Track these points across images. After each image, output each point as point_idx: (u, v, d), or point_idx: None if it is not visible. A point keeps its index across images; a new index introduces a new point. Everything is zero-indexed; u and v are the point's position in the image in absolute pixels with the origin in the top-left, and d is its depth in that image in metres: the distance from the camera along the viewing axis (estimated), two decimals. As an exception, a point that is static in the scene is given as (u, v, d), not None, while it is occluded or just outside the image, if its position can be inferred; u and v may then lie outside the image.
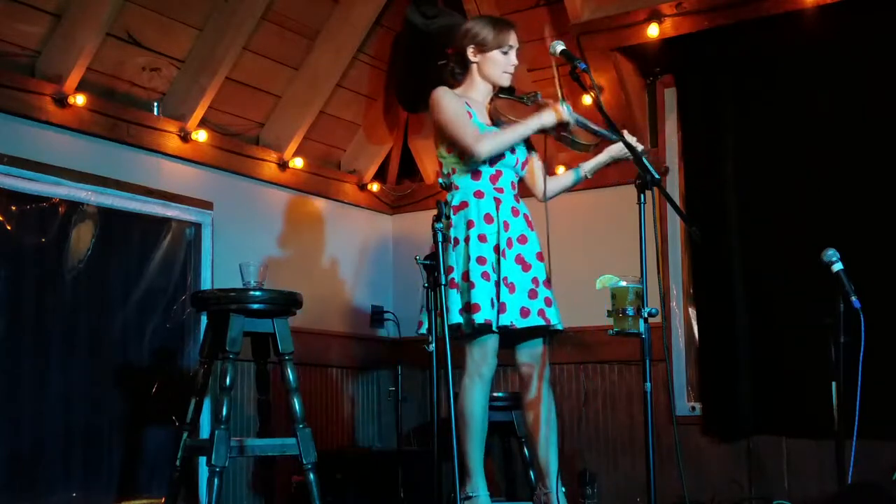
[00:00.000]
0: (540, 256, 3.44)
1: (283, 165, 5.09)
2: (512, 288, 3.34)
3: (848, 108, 4.35)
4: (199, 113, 4.58)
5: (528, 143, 3.55)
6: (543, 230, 3.43)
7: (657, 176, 2.95)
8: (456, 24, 4.91)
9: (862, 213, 4.26)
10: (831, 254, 3.60)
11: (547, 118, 3.38)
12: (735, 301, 4.57)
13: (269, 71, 4.92)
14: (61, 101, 4.06)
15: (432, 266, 3.07)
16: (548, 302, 3.38)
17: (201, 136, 4.62)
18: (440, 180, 3.46)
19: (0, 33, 3.94)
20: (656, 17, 4.48)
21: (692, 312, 4.81)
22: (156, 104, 4.54)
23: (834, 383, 3.58)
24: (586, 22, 4.66)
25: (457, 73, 3.56)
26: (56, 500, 3.87)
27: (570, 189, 3.67)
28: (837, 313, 3.55)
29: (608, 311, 3.11)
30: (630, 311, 3.02)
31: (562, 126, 3.41)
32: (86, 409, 4.02)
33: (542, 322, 3.35)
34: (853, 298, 3.50)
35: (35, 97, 3.99)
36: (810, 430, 4.28)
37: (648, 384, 2.84)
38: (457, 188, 3.44)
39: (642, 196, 2.95)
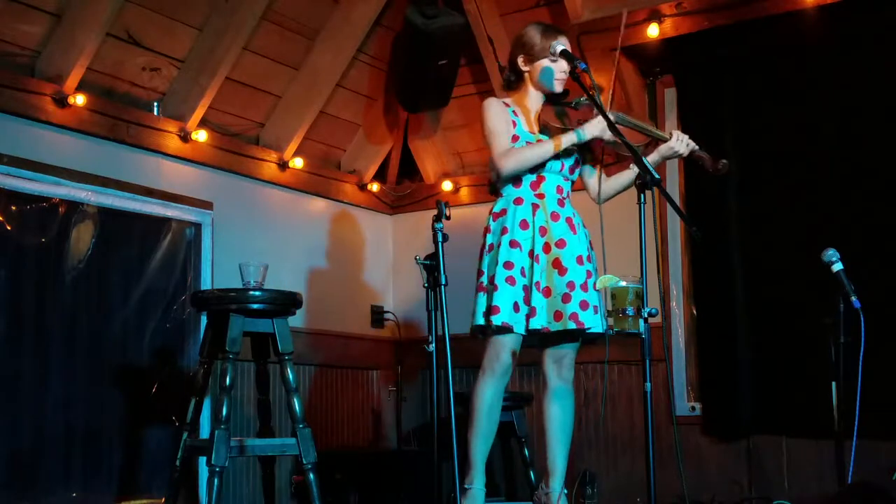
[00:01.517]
0: (581, 260, 3.43)
1: (283, 165, 5.09)
2: (547, 292, 3.37)
3: (848, 108, 4.35)
4: (199, 113, 4.59)
5: (578, 148, 3.53)
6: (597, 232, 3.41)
7: (657, 176, 2.96)
8: (456, 24, 4.95)
9: (862, 213, 4.26)
10: (831, 254, 3.60)
11: (583, 134, 3.38)
12: (735, 301, 4.57)
13: (269, 71, 4.92)
14: (61, 101, 4.06)
15: (432, 266, 3.07)
16: (583, 305, 3.37)
17: (201, 136, 4.62)
18: (489, 187, 3.54)
19: (0, 33, 3.94)
20: (656, 17, 4.48)
21: (692, 312, 4.81)
22: (156, 104, 4.54)
23: (834, 383, 3.58)
24: (586, 22, 4.66)
25: (511, 83, 3.59)
26: (56, 500, 3.87)
27: (627, 189, 3.63)
28: (837, 313, 3.55)
29: (608, 311, 3.12)
30: (630, 311, 3.02)
31: (589, 142, 3.42)
32: (86, 409, 4.02)
33: (573, 326, 3.35)
34: (853, 298, 3.50)
35: (35, 97, 3.99)
36: (810, 430, 4.28)
37: (648, 384, 2.84)
38: (501, 195, 3.50)
39: (642, 196, 2.95)
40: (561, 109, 3.53)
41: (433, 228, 3.08)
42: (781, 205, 4.49)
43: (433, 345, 3.09)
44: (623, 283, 3.08)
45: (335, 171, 5.54)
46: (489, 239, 3.46)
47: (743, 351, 4.54)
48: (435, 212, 3.10)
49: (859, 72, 4.33)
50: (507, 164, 3.38)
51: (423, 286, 3.14)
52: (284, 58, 4.96)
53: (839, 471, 3.56)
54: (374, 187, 5.70)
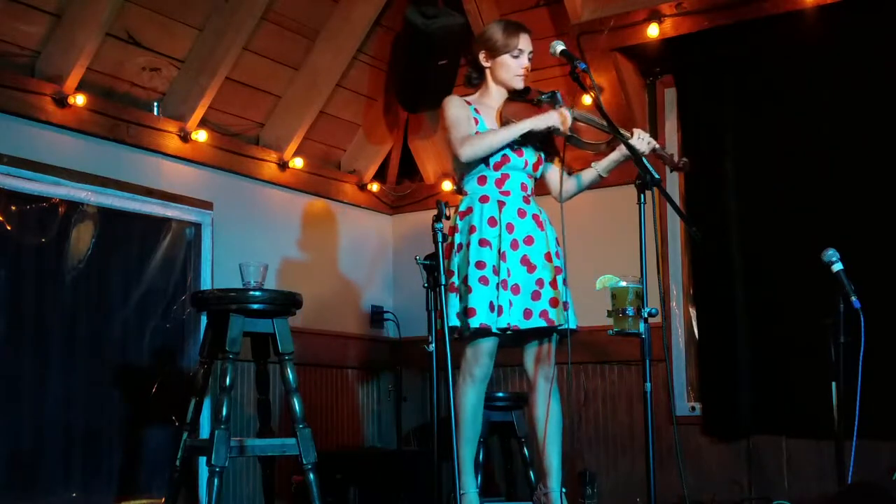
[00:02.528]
0: (549, 257, 3.43)
1: (283, 165, 5.09)
2: (515, 289, 3.36)
3: (848, 108, 4.35)
4: (199, 113, 4.59)
5: (542, 145, 3.55)
6: (560, 230, 3.42)
7: (657, 176, 2.96)
8: (456, 24, 4.95)
9: (862, 213, 4.26)
10: (831, 254, 3.60)
11: (539, 122, 3.38)
12: (735, 301, 4.57)
13: (269, 71, 4.92)
14: (61, 101, 4.06)
15: (432, 266, 3.07)
16: (553, 302, 3.37)
17: (201, 136, 4.62)
18: (454, 187, 3.50)
19: (0, 33, 3.94)
20: (656, 17, 4.48)
21: (692, 312, 4.82)
22: (156, 104, 4.54)
23: (834, 383, 3.58)
24: (586, 22, 4.66)
25: (473, 79, 3.59)
26: (56, 500, 3.87)
27: (588, 188, 3.65)
28: (837, 313, 3.55)
29: (608, 311, 3.12)
30: (630, 311, 3.02)
31: (557, 130, 3.40)
32: (86, 409, 4.02)
33: (543, 323, 3.35)
34: (853, 298, 3.50)
35: (35, 97, 3.99)
36: (810, 430, 4.28)
37: (648, 384, 2.84)
38: (466, 194, 3.49)
39: (642, 196, 2.95)
40: (523, 106, 3.51)
41: (433, 228, 3.07)
42: (781, 205, 4.49)
43: (433, 345, 3.09)
44: (623, 283, 3.09)
45: (335, 171, 5.54)
46: (457, 238, 3.42)
47: (743, 351, 4.54)
48: (435, 212, 3.10)
49: (859, 72, 4.33)
50: (467, 149, 3.34)
51: (423, 286, 3.14)
52: (284, 58, 4.96)
53: (839, 471, 3.56)
54: (374, 187, 5.70)
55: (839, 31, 4.30)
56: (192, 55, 4.55)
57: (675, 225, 4.86)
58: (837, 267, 3.59)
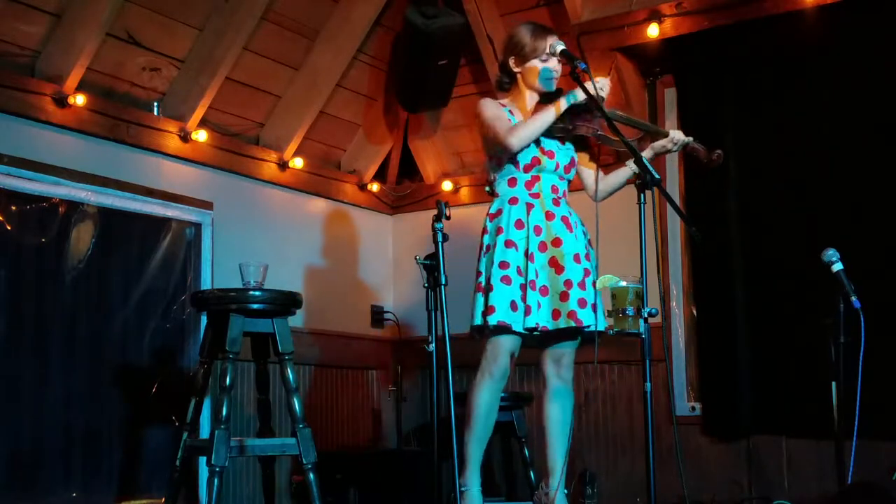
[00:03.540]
0: (578, 258, 3.43)
1: (283, 165, 5.09)
2: (543, 291, 3.37)
3: (848, 108, 4.35)
4: (199, 113, 4.59)
5: (575, 146, 3.55)
6: (594, 230, 3.41)
7: (657, 176, 2.96)
8: (456, 24, 4.95)
9: (862, 213, 4.26)
10: (831, 254, 3.60)
11: (574, 95, 3.36)
12: (735, 301, 4.57)
13: (269, 71, 4.92)
14: (61, 101, 4.06)
15: (432, 266, 3.07)
16: (581, 303, 3.36)
17: (201, 136, 4.62)
18: (486, 188, 3.54)
19: (0, 33, 3.94)
20: (656, 17, 4.48)
21: (692, 312, 4.81)
22: (156, 104, 4.54)
23: (834, 383, 3.58)
24: (586, 22, 4.66)
25: (504, 84, 3.60)
26: (56, 500, 3.87)
27: (624, 186, 3.63)
28: (837, 313, 3.55)
29: (608, 311, 3.12)
30: (630, 311, 3.02)
31: (593, 108, 3.33)
32: (86, 409, 4.02)
33: (572, 324, 3.35)
34: (853, 298, 3.50)
35: (35, 97, 3.99)
36: (810, 430, 4.28)
37: (648, 384, 2.84)
38: (497, 196, 3.51)
39: (642, 196, 2.95)
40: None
41: (433, 228, 3.07)
42: (781, 205, 4.49)
43: (433, 345, 3.09)
44: (623, 283, 3.09)
45: (335, 171, 5.54)
46: (486, 240, 3.46)
47: (743, 351, 4.54)
48: (435, 212, 3.10)
49: (859, 72, 4.33)
50: (515, 139, 3.34)
51: (423, 286, 3.14)
52: (284, 58, 4.96)
53: (839, 471, 3.56)
54: (374, 187, 5.70)
55: (839, 31, 4.30)
56: (192, 55, 4.55)
57: (675, 225, 4.86)
58: (837, 267, 3.59)
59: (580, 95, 3.35)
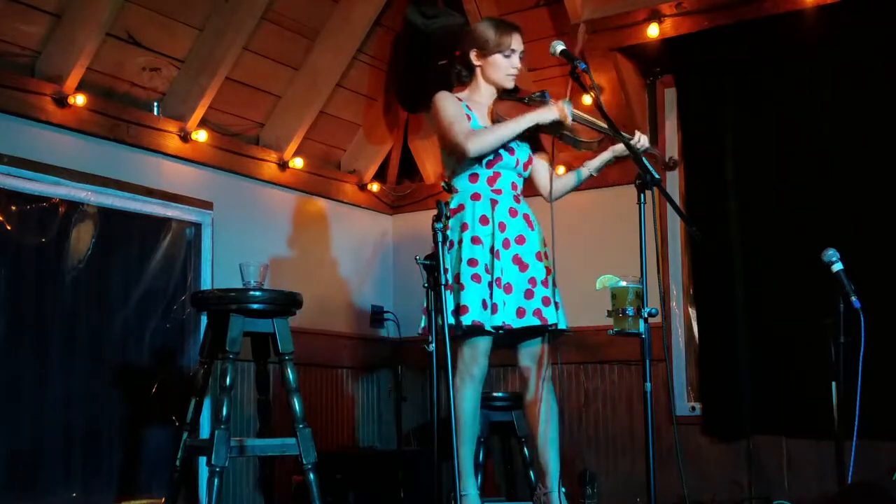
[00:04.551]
0: (539, 256, 3.44)
1: (283, 165, 5.09)
2: (508, 288, 3.36)
3: (848, 108, 4.35)
4: (199, 113, 4.59)
5: (532, 145, 3.56)
6: (549, 230, 3.43)
7: (657, 176, 2.96)
8: (456, 24, 4.95)
9: (862, 213, 4.26)
10: (831, 254, 3.60)
11: (544, 115, 3.38)
12: (735, 301, 4.57)
13: (269, 71, 4.92)
14: (61, 101, 4.06)
15: (432, 266, 3.07)
16: (545, 301, 3.38)
17: (201, 136, 4.62)
18: (443, 183, 3.52)
19: (0, 33, 3.94)
20: (656, 17, 4.48)
21: (692, 312, 4.81)
22: (156, 104, 4.54)
23: (834, 383, 3.58)
24: (586, 22, 4.66)
25: (463, 76, 3.59)
26: (56, 500, 3.87)
27: (578, 188, 3.66)
28: (837, 313, 3.55)
29: (608, 311, 3.12)
30: (630, 311, 3.02)
31: (560, 124, 3.41)
32: (86, 409, 4.02)
33: (537, 322, 3.35)
34: (853, 298, 3.50)
35: (35, 97, 3.99)
36: (810, 430, 4.28)
37: (648, 384, 2.84)
38: (456, 191, 3.48)
39: (642, 196, 2.95)
40: (513, 105, 3.51)
41: (433, 228, 3.07)
42: (781, 205, 4.49)
43: (433, 345, 3.09)
44: (623, 283, 3.09)
45: (335, 171, 5.54)
46: (449, 235, 3.39)
47: (743, 351, 4.53)
48: (435, 212, 3.10)
49: (859, 72, 4.33)
50: (474, 144, 3.33)
51: (423, 286, 3.14)
52: (284, 58, 4.96)
53: (839, 471, 3.56)
54: (374, 187, 5.70)
55: (839, 31, 4.30)
56: (192, 55, 4.55)
57: (675, 225, 4.86)
58: (837, 267, 3.59)
59: (549, 117, 3.36)
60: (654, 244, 3.87)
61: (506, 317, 3.33)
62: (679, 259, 4.87)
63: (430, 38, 4.89)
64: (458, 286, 3.32)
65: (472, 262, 3.33)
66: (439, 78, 5.08)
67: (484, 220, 3.39)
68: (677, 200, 4.74)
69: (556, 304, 3.42)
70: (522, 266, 3.40)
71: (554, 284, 3.45)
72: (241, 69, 4.75)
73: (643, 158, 3.05)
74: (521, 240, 3.42)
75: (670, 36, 4.51)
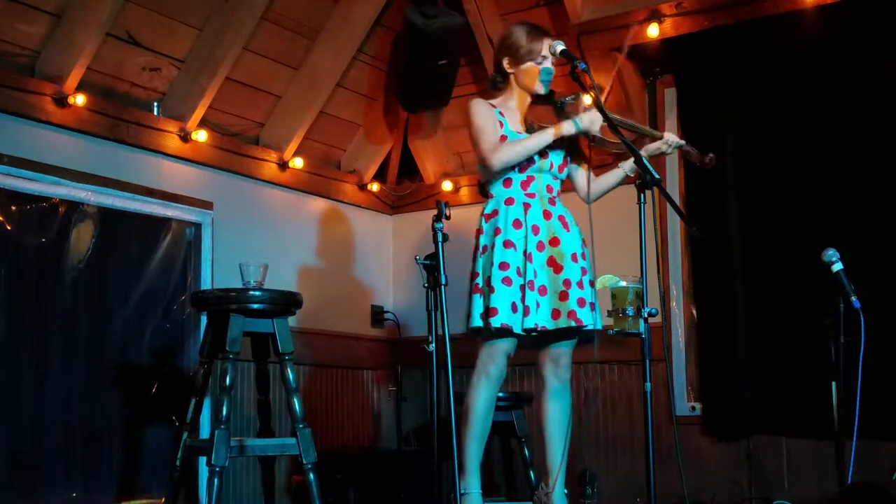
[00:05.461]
0: (576, 257, 3.44)
1: (283, 165, 5.09)
2: (542, 290, 3.38)
3: (848, 108, 4.35)
4: (199, 113, 4.59)
5: (568, 147, 3.56)
6: (587, 231, 3.41)
7: (657, 176, 2.96)
8: (456, 24, 4.95)
9: (862, 213, 4.26)
10: (831, 254, 3.61)
11: (566, 129, 3.39)
12: (735, 301, 4.57)
13: (269, 71, 4.92)
14: (61, 101, 4.06)
15: (432, 266, 3.07)
16: (580, 303, 3.37)
17: (201, 136, 4.62)
18: (480, 189, 3.54)
19: (0, 33, 3.94)
20: (656, 17, 4.48)
21: (692, 312, 4.81)
22: (156, 104, 4.54)
23: (834, 383, 3.58)
24: (586, 22, 4.66)
25: (498, 83, 3.60)
26: (56, 500, 3.87)
27: (615, 188, 3.64)
28: (837, 313, 3.55)
29: (608, 311, 3.12)
30: (630, 311, 3.02)
31: (586, 133, 3.40)
32: (86, 409, 4.02)
33: (572, 323, 3.36)
34: (853, 298, 3.51)
35: (35, 97, 3.99)
36: (810, 430, 4.28)
37: (648, 384, 2.85)
38: (491, 196, 3.51)
39: (642, 196, 2.95)
40: (560, 110, 3.53)
41: (433, 228, 3.08)
42: (781, 205, 4.49)
43: (433, 345, 3.09)
44: (623, 283, 3.09)
45: (335, 171, 5.54)
46: (482, 240, 3.46)
47: (743, 351, 4.53)
48: (435, 212, 3.10)
49: (859, 72, 4.33)
50: (498, 158, 3.38)
51: (423, 286, 3.14)
52: (284, 58, 4.96)
53: (839, 471, 3.56)
54: (374, 187, 5.70)
55: (839, 31, 4.30)
56: (192, 55, 4.55)
57: (675, 225, 4.86)
58: (837, 267, 3.59)
59: (571, 130, 3.37)
60: (654, 244, 3.88)
61: (539, 318, 3.34)
62: (679, 259, 4.87)
63: (430, 38, 4.89)
64: (488, 289, 3.35)
65: (504, 266, 3.35)
66: (439, 78, 5.11)
67: (517, 224, 3.41)
68: (677, 200, 4.74)
69: (591, 304, 3.41)
70: (557, 268, 3.40)
71: (591, 285, 3.44)
72: (241, 69, 4.75)
73: (644, 158, 3.06)
74: (555, 242, 3.43)
75: (670, 36, 4.51)
